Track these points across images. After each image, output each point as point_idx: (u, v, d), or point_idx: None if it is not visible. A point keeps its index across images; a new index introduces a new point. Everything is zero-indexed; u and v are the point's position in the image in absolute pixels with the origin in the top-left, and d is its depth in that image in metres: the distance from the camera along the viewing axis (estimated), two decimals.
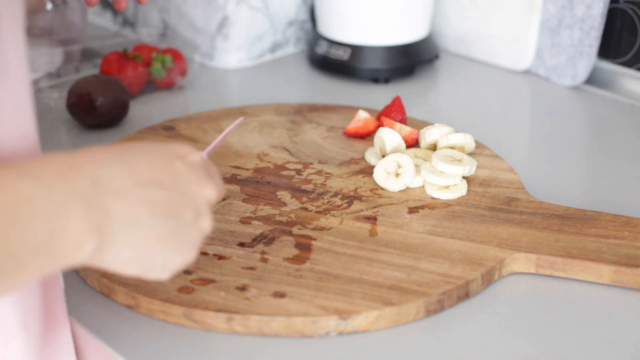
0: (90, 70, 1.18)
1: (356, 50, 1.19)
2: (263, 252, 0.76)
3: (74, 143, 1.01)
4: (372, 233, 0.79)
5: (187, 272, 0.73)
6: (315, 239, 0.78)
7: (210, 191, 0.60)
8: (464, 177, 0.87)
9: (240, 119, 0.79)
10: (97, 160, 0.55)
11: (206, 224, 0.60)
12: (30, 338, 0.64)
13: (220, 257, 0.75)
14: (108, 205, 0.53)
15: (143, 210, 0.55)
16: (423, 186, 0.86)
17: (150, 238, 0.56)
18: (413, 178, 0.85)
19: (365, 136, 0.97)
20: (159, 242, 0.57)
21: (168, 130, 0.98)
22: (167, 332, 0.69)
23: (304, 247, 0.76)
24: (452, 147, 0.90)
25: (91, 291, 0.73)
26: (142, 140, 0.59)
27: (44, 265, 0.51)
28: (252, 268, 0.73)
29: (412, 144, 0.94)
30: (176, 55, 1.14)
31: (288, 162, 0.91)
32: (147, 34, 1.28)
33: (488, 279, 0.74)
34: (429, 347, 0.68)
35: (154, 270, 0.58)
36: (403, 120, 0.96)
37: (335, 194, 0.85)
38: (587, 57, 1.14)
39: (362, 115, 0.97)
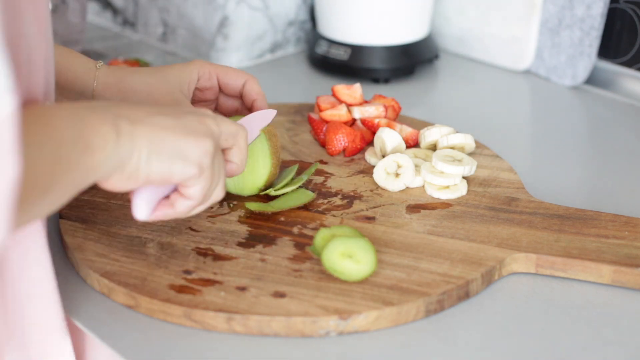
0: None
1: (356, 50, 1.19)
2: (263, 252, 0.76)
3: None
4: (372, 233, 0.79)
5: (187, 272, 0.73)
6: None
7: (205, 110, 0.69)
8: (464, 177, 0.87)
9: (273, 112, 0.83)
10: (93, 101, 0.66)
11: (211, 124, 0.67)
12: (30, 354, 0.65)
13: (220, 257, 0.75)
14: (109, 109, 0.61)
15: (139, 111, 0.63)
16: (423, 186, 0.86)
17: (155, 128, 0.63)
18: (413, 178, 0.85)
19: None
20: (165, 132, 0.63)
21: None
22: (167, 332, 0.69)
23: (304, 247, 0.76)
24: (452, 147, 0.90)
25: (91, 291, 0.73)
26: None
27: (82, 160, 0.57)
28: (252, 268, 0.74)
29: (413, 144, 0.94)
30: None
31: (288, 162, 0.91)
32: (147, 34, 1.28)
33: (488, 279, 0.74)
34: (429, 347, 0.68)
35: (177, 165, 0.64)
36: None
37: (335, 194, 0.85)
38: (587, 57, 1.14)
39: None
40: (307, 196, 0.83)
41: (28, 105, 0.60)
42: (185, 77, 0.85)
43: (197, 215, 0.81)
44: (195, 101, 0.89)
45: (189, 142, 0.64)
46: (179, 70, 0.85)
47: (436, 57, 1.24)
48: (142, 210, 0.67)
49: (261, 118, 0.82)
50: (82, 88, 0.83)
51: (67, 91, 0.83)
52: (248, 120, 0.81)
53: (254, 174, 0.83)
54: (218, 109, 0.91)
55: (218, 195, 0.69)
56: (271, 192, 0.83)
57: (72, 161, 0.57)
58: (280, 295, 0.70)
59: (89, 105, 0.60)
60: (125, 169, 0.61)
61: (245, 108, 0.89)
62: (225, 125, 0.68)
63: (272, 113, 0.83)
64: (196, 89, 0.87)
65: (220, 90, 0.89)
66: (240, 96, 0.89)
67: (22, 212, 0.54)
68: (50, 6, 1.12)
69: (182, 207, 0.68)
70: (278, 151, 0.84)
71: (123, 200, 0.83)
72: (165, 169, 0.63)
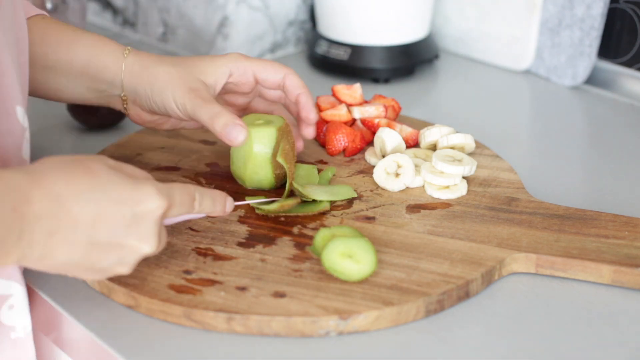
0: None
1: (356, 50, 1.19)
2: (263, 252, 0.76)
3: (76, 144, 1.01)
4: (372, 233, 0.79)
5: (187, 272, 0.73)
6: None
7: (146, 247, 0.65)
8: (464, 177, 0.87)
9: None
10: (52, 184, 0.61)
11: (123, 270, 0.66)
12: None
13: (220, 257, 0.75)
14: (36, 240, 0.60)
15: (65, 248, 0.62)
16: (423, 186, 0.86)
17: (65, 262, 0.63)
18: (413, 178, 0.85)
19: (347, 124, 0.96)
20: (75, 270, 0.64)
21: (168, 130, 0.98)
22: (167, 332, 0.69)
23: (304, 247, 0.76)
24: (452, 147, 0.90)
25: (91, 291, 0.73)
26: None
27: None
28: (252, 268, 0.74)
29: (413, 144, 0.94)
30: None
31: None
32: (147, 34, 1.28)
33: (488, 279, 0.74)
34: (429, 347, 0.68)
35: (76, 273, 0.65)
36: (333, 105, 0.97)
37: None
38: (587, 57, 1.14)
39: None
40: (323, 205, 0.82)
41: None
42: (212, 71, 0.83)
43: None
44: (230, 93, 0.87)
45: (87, 275, 0.65)
46: (208, 63, 0.84)
47: (436, 57, 1.24)
48: None
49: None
50: (112, 78, 0.83)
51: (98, 82, 0.83)
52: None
53: (259, 173, 0.83)
54: (258, 101, 0.90)
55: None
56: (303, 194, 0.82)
57: None
58: (280, 295, 0.70)
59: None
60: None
61: (291, 102, 0.88)
62: (131, 266, 0.67)
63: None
64: (230, 82, 0.85)
65: (259, 83, 0.87)
66: (282, 88, 0.87)
67: None
68: (49, 6, 1.12)
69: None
70: (291, 150, 0.84)
71: None
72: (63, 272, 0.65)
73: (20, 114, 0.69)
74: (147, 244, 0.65)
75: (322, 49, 1.22)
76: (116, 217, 0.62)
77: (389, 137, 0.89)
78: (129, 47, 0.84)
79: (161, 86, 0.81)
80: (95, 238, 0.62)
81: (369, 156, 0.91)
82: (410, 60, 1.20)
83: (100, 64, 0.82)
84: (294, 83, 0.86)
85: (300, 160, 0.92)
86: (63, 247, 0.61)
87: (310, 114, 0.87)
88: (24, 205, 0.59)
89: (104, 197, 0.62)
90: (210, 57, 0.85)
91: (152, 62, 0.82)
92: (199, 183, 0.87)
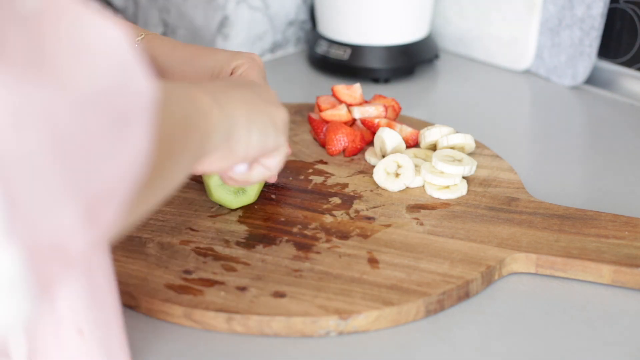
0: None
1: (356, 50, 1.19)
2: (263, 252, 0.76)
3: None
4: (372, 233, 0.79)
5: (187, 272, 0.73)
6: (315, 239, 0.78)
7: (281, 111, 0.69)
8: (464, 177, 0.87)
9: None
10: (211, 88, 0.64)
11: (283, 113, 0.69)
12: (88, 342, 0.64)
13: (220, 257, 0.75)
14: (201, 85, 0.61)
15: (224, 87, 0.65)
16: (423, 186, 0.86)
17: (245, 100, 0.64)
18: (413, 178, 0.85)
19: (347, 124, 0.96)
20: (254, 103, 0.65)
21: None
22: (167, 332, 0.69)
23: (304, 247, 0.76)
24: (452, 147, 0.90)
25: None
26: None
27: (201, 123, 0.57)
28: (252, 268, 0.74)
29: (413, 144, 0.94)
30: None
31: (288, 162, 0.91)
32: None
33: (488, 279, 0.74)
34: (429, 347, 0.68)
35: (271, 135, 0.66)
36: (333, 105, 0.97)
37: (335, 194, 0.85)
38: (587, 57, 1.14)
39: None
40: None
41: None
42: (216, 64, 0.82)
43: (197, 216, 0.81)
44: None
45: (275, 111, 0.67)
46: (215, 57, 0.83)
47: (436, 57, 1.24)
48: (242, 167, 0.69)
49: None
50: None
51: None
52: None
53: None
54: None
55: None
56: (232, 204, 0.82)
57: (192, 123, 0.55)
58: (280, 295, 0.70)
59: (177, 84, 0.60)
60: (230, 140, 0.61)
61: None
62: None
63: None
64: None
65: None
66: None
67: (164, 178, 0.51)
68: None
69: (259, 176, 0.70)
70: None
71: None
72: (261, 141, 0.64)
73: None
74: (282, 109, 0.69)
75: (322, 49, 1.22)
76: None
77: (389, 137, 0.89)
78: (142, 35, 0.84)
79: (168, 75, 0.83)
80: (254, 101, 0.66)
81: (369, 156, 0.91)
82: (410, 60, 1.20)
83: None
84: None
85: (300, 160, 0.92)
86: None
87: None
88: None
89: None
90: (219, 53, 0.83)
91: (161, 53, 0.83)
92: (199, 183, 0.87)
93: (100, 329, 0.64)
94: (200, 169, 0.62)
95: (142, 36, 0.84)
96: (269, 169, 0.69)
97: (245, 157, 0.64)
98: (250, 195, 0.82)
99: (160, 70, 0.83)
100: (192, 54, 0.83)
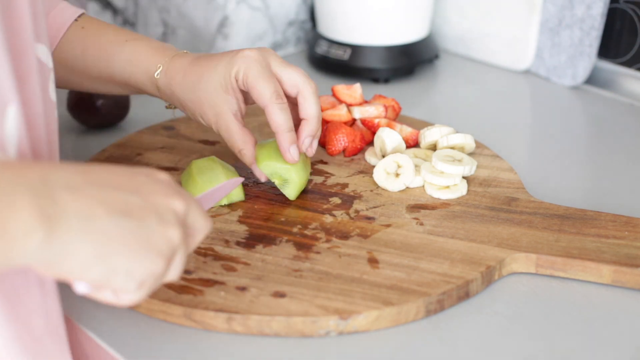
0: None
1: (356, 50, 1.19)
2: (263, 252, 0.76)
3: (75, 144, 1.01)
4: (372, 233, 0.79)
5: (187, 272, 0.73)
6: (315, 239, 0.78)
7: (177, 202, 0.56)
8: (464, 177, 0.87)
9: (239, 179, 0.77)
10: (49, 165, 0.53)
11: (174, 234, 0.55)
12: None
13: (220, 257, 0.75)
14: (59, 197, 0.51)
15: (97, 206, 0.52)
16: (423, 186, 0.86)
17: (109, 234, 0.52)
18: (413, 178, 0.85)
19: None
20: (119, 241, 0.53)
21: (168, 130, 0.98)
22: (167, 332, 0.69)
23: (304, 247, 0.76)
24: (452, 147, 0.90)
25: None
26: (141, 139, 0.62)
27: None
28: (252, 268, 0.74)
29: (413, 144, 0.94)
30: None
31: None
32: (147, 34, 1.28)
33: (488, 279, 0.74)
34: (429, 347, 0.68)
35: (118, 277, 0.54)
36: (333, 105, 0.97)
37: (335, 194, 0.85)
38: (587, 57, 1.14)
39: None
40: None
41: None
42: (220, 79, 0.80)
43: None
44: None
45: (141, 260, 0.54)
46: (217, 70, 0.81)
47: (436, 57, 1.24)
48: (83, 287, 0.56)
49: (228, 187, 0.75)
50: (152, 92, 0.85)
51: (140, 91, 0.86)
52: (214, 191, 0.73)
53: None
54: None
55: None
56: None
57: None
58: (280, 295, 0.70)
59: (34, 181, 0.50)
60: (52, 268, 0.52)
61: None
62: (178, 229, 0.57)
63: (238, 181, 0.77)
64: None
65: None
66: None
67: None
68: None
69: (105, 300, 0.57)
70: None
71: None
72: (103, 279, 0.53)
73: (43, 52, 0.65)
74: (175, 199, 0.57)
75: (322, 49, 1.22)
76: (130, 176, 0.56)
77: (389, 137, 0.89)
78: (160, 64, 0.83)
79: (191, 109, 0.83)
80: (113, 193, 0.54)
81: (369, 156, 0.91)
82: (410, 60, 1.20)
83: (139, 82, 0.84)
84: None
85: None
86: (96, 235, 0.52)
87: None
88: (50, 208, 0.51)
89: (107, 168, 0.56)
90: (225, 58, 0.81)
91: (179, 88, 0.82)
92: None
93: (18, 338, 0.61)
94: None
95: (160, 68, 0.83)
96: (119, 300, 0.57)
97: (81, 281, 0.54)
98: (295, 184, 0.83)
99: (180, 104, 0.83)
100: (198, 76, 0.81)
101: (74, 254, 0.51)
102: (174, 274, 0.58)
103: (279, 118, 0.78)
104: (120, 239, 0.53)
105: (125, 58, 0.83)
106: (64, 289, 0.73)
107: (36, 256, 0.50)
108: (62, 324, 0.65)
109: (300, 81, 0.80)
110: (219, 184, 0.73)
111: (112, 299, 0.56)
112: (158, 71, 0.83)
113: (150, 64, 0.83)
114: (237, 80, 0.80)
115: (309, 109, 0.81)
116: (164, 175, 0.58)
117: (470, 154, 0.92)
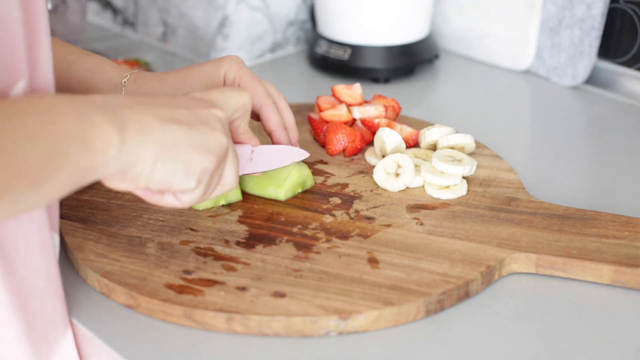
0: None
1: (356, 50, 1.19)
2: (263, 252, 0.76)
3: None
4: (372, 233, 0.79)
5: (187, 272, 0.73)
6: (315, 239, 0.78)
7: (217, 111, 0.67)
8: (464, 177, 0.87)
9: (305, 152, 0.85)
10: (101, 94, 0.62)
11: (220, 136, 0.66)
12: (32, 341, 0.65)
13: (220, 257, 0.75)
14: (121, 112, 0.59)
15: (151, 118, 0.61)
16: (423, 186, 0.86)
17: (163, 140, 0.62)
18: (413, 178, 0.85)
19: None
20: (173, 144, 0.62)
21: None
22: (167, 332, 0.69)
23: (304, 247, 0.76)
24: (452, 147, 0.90)
25: (91, 291, 0.73)
26: None
27: (81, 159, 0.56)
28: (252, 268, 0.74)
29: (413, 144, 0.94)
30: None
31: None
32: (147, 34, 1.28)
33: (488, 279, 0.74)
34: (429, 347, 0.68)
35: (177, 177, 0.63)
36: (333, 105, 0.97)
37: (335, 194, 0.85)
38: (587, 57, 1.15)
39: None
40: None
41: (32, 93, 0.59)
42: (207, 78, 0.83)
43: (197, 216, 0.81)
44: None
45: (195, 157, 0.64)
46: (202, 71, 0.84)
47: (436, 57, 1.24)
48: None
49: (295, 154, 0.84)
50: None
51: None
52: (281, 149, 0.83)
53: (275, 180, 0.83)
54: None
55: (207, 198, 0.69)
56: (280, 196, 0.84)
57: (68, 159, 0.55)
58: (280, 295, 0.70)
59: (98, 103, 0.59)
60: (126, 174, 0.61)
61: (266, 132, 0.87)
62: (225, 132, 0.67)
63: (304, 155, 0.85)
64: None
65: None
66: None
67: (8, 203, 0.53)
68: (49, 6, 1.12)
69: (169, 203, 0.67)
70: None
71: (123, 200, 0.83)
72: (166, 180, 0.63)
73: None
74: (215, 109, 0.67)
75: (322, 49, 1.22)
76: (171, 97, 0.67)
77: (389, 137, 0.89)
78: (127, 76, 0.84)
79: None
80: (161, 107, 0.64)
81: (369, 156, 0.91)
82: (410, 60, 1.20)
83: (100, 91, 0.83)
84: (270, 118, 0.85)
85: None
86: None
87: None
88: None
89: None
90: (207, 64, 0.84)
91: (155, 91, 0.83)
92: None
93: (48, 328, 0.66)
94: (104, 183, 0.62)
95: (127, 77, 0.84)
96: (180, 201, 0.67)
97: (146, 187, 0.63)
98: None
99: None
100: (181, 78, 0.84)
101: (140, 160, 0.60)
102: (229, 180, 0.69)
103: (275, 117, 0.85)
104: (174, 142, 0.62)
105: (87, 67, 0.83)
106: (64, 288, 0.73)
107: (113, 165, 0.59)
108: (61, 286, 0.68)
109: (275, 92, 0.87)
110: (280, 146, 0.82)
111: (174, 202, 0.66)
112: (125, 79, 0.83)
113: (114, 74, 0.84)
114: (225, 80, 0.83)
115: (288, 117, 0.87)
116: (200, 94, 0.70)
117: (470, 154, 0.92)
